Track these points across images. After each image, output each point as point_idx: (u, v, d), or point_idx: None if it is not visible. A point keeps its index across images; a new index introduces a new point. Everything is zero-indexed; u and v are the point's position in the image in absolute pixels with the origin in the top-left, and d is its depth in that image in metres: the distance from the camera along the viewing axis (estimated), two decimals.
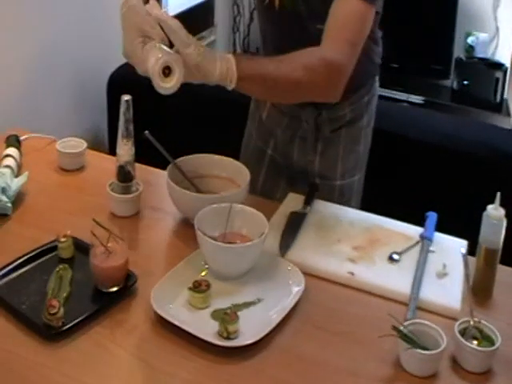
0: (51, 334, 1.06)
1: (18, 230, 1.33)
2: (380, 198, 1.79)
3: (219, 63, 1.18)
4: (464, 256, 1.20)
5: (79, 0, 2.12)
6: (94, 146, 1.58)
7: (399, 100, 3.28)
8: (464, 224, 1.38)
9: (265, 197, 1.59)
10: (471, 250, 1.30)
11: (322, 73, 1.28)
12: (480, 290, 1.27)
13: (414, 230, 1.41)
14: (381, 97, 2.45)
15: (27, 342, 1.06)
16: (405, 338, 1.06)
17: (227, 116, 2.10)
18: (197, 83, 1.21)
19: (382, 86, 3.09)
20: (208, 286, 1.14)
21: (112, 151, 1.53)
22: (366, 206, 1.63)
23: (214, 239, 1.21)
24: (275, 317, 1.12)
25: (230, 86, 1.20)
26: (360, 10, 1.33)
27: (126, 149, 1.36)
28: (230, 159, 1.45)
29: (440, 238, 1.40)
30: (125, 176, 1.39)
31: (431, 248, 1.36)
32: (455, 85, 3.38)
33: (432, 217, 1.45)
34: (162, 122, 2.02)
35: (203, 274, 1.20)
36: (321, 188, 1.58)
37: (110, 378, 1.03)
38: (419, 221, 1.43)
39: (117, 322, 1.12)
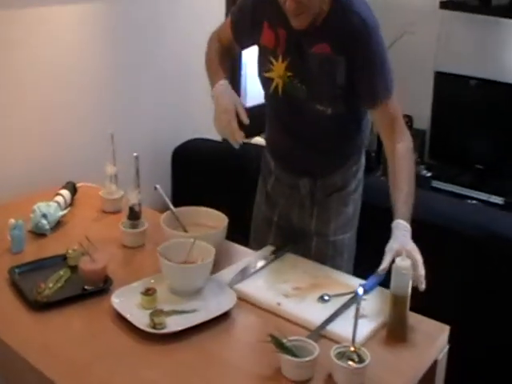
0: (34, 305, 1.56)
1: (51, 246, 1.88)
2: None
3: None
4: (359, 296, 1.52)
5: (159, 79, 2.76)
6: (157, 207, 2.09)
7: (481, 200, 3.56)
8: None
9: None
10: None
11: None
12: (393, 332, 1.57)
13: (357, 282, 1.74)
14: (466, 197, 2.77)
15: (23, 309, 1.58)
16: (279, 345, 1.40)
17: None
18: None
19: (466, 186, 3.45)
20: (154, 291, 1.58)
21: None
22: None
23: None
24: (197, 320, 1.53)
25: None
26: (393, 106, 1.81)
27: (134, 194, 1.88)
28: (214, 211, 1.91)
29: (380, 291, 1.70)
30: (133, 215, 1.90)
31: (364, 297, 1.68)
32: None
33: (379, 277, 1.76)
34: (206, 188, 2.52)
35: (152, 281, 1.64)
36: (317, 243, 2.02)
37: (68, 342, 1.49)
38: None
39: (86, 308, 1.59)
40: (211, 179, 2.50)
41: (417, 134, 4.22)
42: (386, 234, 1.70)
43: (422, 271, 1.61)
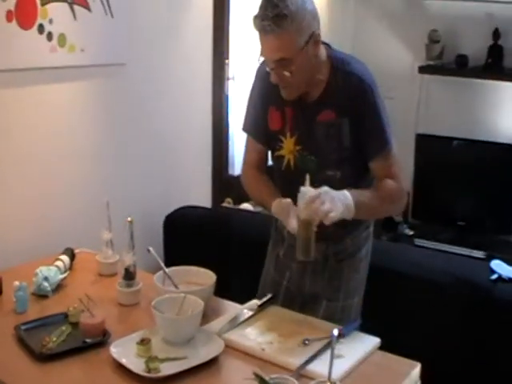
0: (40, 357, 1.74)
1: (53, 306, 2.05)
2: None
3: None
4: (333, 337, 1.70)
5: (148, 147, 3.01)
6: (150, 268, 2.24)
7: (463, 255, 3.74)
8: None
9: None
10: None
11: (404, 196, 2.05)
12: (301, 249, 1.86)
13: (336, 328, 1.91)
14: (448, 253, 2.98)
15: (29, 361, 1.75)
16: (262, 382, 1.56)
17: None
18: None
19: (448, 242, 3.67)
20: (148, 341, 1.75)
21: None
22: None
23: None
24: (188, 365, 1.70)
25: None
26: (392, 156, 2.02)
27: (129, 256, 2.07)
28: (204, 269, 2.09)
29: (357, 335, 1.89)
30: (128, 275, 2.09)
31: (342, 340, 1.85)
32: None
33: (355, 322, 1.96)
34: (195, 250, 2.72)
35: (147, 332, 1.82)
36: (327, 307, 2.14)
37: None
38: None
39: (86, 359, 1.77)
40: (200, 242, 2.71)
41: None
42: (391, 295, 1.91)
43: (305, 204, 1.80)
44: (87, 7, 2.67)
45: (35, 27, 2.46)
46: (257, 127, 2.15)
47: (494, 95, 4.14)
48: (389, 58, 4.53)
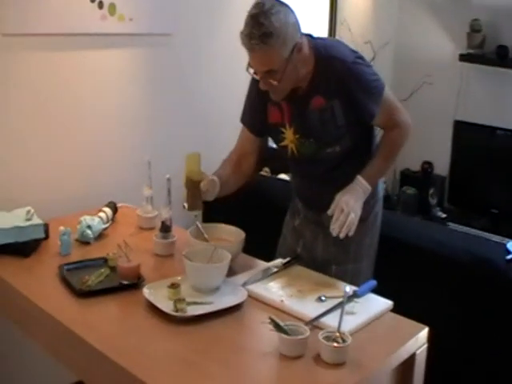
0: (79, 293, 1.96)
1: (94, 252, 2.27)
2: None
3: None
4: (346, 293, 1.88)
5: None
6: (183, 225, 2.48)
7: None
8: None
9: None
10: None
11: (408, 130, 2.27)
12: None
13: (351, 288, 2.08)
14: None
15: (70, 297, 1.97)
16: (275, 325, 1.75)
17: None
18: None
19: (481, 229, 3.79)
20: (178, 285, 1.95)
21: None
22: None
23: None
24: (213, 309, 1.90)
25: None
26: (387, 102, 2.20)
27: (166, 211, 2.27)
28: (235, 228, 2.28)
29: (370, 296, 2.05)
30: (165, 228, 2.29)
31: (357, 299, 2.03)
32: None
33: (371, 282, 2.12)
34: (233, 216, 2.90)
35: (179, 278, 2.02)
36: (336, 271, 2.33)
37: (105, 320, 1.87)
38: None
39: (122, 298, 1.98)
40: (235, 206, 2.87)
41: (436, 180, 4.60)
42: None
43: (335, 222, 2.10)
44: None
45: None
46: (253, 121, 2.35)
47: None
48: (430, 45, 4.64)
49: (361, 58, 2.19)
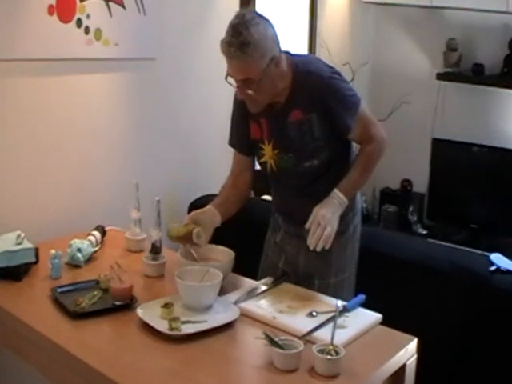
0: (73, 315, 1.99)
1: (85, 275, 2.30)
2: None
3: None
4: (337, 307, 1.94)
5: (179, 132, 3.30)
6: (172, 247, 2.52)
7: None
8: None
9: None
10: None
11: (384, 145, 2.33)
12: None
13: (341, 303, 2.15)
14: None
15: (64, 319, 2.00)
16: (270, 340, 1.81)
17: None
18: None
19: (461, 244, 3.89)
20: (172, 305, 1.99)
21: None
22: None
23: None
24: (207, 327, 1.95)
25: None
26: (362, 116, 2.27)
27: (156, 232, 2.32)
28: (224, 248, 2.34)
29: (360, 310, 2.11)
30: (155, 250, 2.34)
31: (347, 314, 2.09)
32: None
33: (360, 297, 2.19)
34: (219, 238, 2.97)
35: (170, 299, 2.06)
36: (319, 286, 2.38)
37: (100, 340, 1.91)
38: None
39: (115, 319, 2.02)
40: (221, 229, 2.95)
41: (416, 197, 4.70)
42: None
43: (312, 236, 2.16)
44: (122, 5, 2.95)
45: (74, 21, 2.74)
46: (240, 141, 2.44)
47: (508, 103, 4.36)
48: (408, 64, 4.77)
49: (337, 73, 2.28)
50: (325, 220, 2.18)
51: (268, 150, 2.34)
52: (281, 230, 2.55)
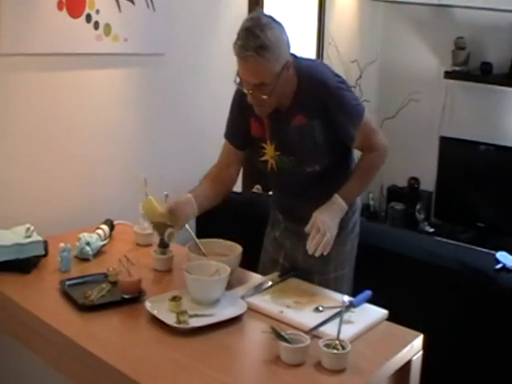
0: (82, 308, 2.03)
1: (93, 268, 2.34)
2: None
3: None
4: (344, 302, 1.97)
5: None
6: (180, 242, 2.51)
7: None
8: None
9: None
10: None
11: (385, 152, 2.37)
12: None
13: (348, 299, 2.17)
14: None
15: (72, 311, 2.04)
16: (277, 335, 1.83)
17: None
18: None
19: (467, 242, 3.92)
20: (180, 298, 2.02)
21: None
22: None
23: None
24: (214, 320, 1.98)
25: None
26: (366, 125, 2.28)
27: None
28: (231, 243, 2.36)
29: (366, 306, 2.14)
30: (163, 244, 2.36)
31: (353, 309, 2.11)
32: None
33: (366, 293, 2.21)
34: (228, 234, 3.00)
35: (178, 293, 2.08)
36: (319, 281, 2.41)
37: (109, 333, 1.94)
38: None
39: (124, 312, 2.05)
40: (229, 223, 2.97)
41: (423, 195, 4.72)
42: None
43: (311, 241, 2.18)
44: (131, 0, 2.97)
45: (83, 16, 2.77)
46: (236, 136, 2.43)
47: None
48: (416, 62, 4.78)
49: (343, 82, 2.28)
50: (324, 226, 2.19)
51: (270, 149, 2.35)
52: (280, 225, 2.57)
